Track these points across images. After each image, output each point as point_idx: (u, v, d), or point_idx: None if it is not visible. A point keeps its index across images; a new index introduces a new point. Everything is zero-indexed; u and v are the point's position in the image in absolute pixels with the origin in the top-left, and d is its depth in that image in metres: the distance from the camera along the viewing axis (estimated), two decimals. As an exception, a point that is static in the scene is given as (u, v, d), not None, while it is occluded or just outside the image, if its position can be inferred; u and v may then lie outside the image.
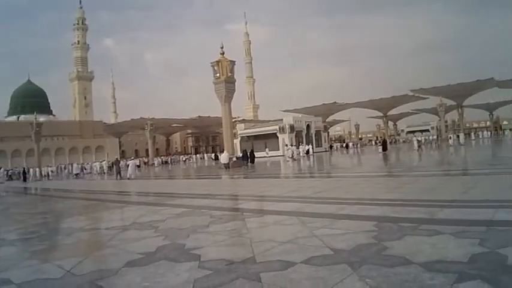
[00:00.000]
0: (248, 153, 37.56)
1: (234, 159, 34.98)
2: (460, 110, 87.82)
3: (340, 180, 16.60)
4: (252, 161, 41.30)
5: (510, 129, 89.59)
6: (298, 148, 48.64)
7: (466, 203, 8.50)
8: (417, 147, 39.70)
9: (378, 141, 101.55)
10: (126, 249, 6.38)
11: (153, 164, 65.84)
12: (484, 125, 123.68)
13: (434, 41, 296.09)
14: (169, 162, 73.59)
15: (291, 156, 39.86)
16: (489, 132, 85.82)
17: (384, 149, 41.75)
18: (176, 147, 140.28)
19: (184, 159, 76.17)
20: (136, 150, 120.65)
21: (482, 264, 4.29)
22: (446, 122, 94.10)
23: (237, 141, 59.10)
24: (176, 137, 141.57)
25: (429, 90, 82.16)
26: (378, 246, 5.36)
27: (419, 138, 49.09)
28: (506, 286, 3.62)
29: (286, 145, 50.22)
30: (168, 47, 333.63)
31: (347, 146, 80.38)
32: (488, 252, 4.72)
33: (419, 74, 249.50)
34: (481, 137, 75.55)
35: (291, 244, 5.81)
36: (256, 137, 65.46)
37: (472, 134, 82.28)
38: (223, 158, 33.78)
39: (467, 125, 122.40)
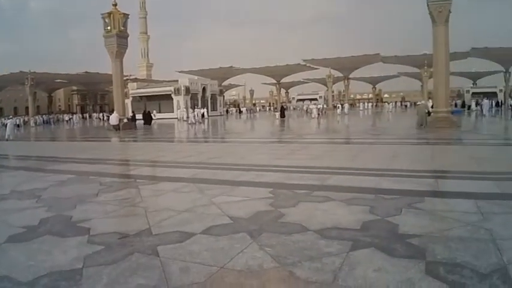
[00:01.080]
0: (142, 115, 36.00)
1: (125, 120, 33.28)
2: (346, 81, 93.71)
3: (236, 146, 16.78)
4: (149, 123, 40.34)
5: (388, 102, 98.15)
6: (193, 111, 48.06)
7: (354, 170, 9.11)
8: (317, 115, 41.46)
9: (271, 108, 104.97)
10: (6, 222, 5.69)
11: (28, 122, 59.40)
12: (366, 97, 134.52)
13: (328, 14, 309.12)
14: (50, 122, 66.74)
15: (190, 119, 39.02)
16: (370, 104, 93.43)
17: (282, 115, 43.08)
18: (60, 105, 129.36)
19: (67, 119, 69.49)
20: (15, 108, 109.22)
21: (374, 232, 4.58)
22: (333, 92, 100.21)
23: (128, 101, 56.30)
24: (60, 94, 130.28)
25: (320, 61, 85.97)
26: (275, 213, 5.48)
27: (319, 106, 50.75)
28: (400, 255, 3.86)
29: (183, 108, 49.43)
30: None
31: (240, 111, 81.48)
32: (379, 220, 5.06)
33: (312, 44, 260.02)
34: (365, 108, 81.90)
35: (189, 213, 5.68)
36: (150, 98, 63.03)
37: (357, 104, 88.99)
38: (113, 119, 31.84)
39: (352, 96, 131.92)
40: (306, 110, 55.23)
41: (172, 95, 59.72)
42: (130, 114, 39.67)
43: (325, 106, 65.50)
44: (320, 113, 42.93)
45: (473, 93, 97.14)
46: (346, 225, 4.87)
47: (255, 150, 14.45)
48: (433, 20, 21.72)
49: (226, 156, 13.01)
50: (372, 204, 5.82)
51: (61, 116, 76.20)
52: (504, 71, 76.64)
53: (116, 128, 30.88)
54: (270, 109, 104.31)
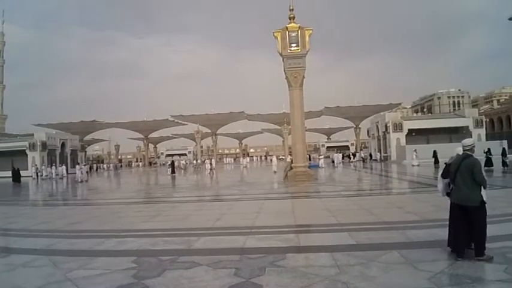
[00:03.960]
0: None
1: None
2: (214, 137, 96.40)
3: (99, 208, 15.70)
4: (18, 180, 38.23)
5: (252, 156, 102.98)
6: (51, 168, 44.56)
7: (220, 230, 9.18)
8: (209, 170, 40.66)
9: (138, 162, 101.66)
10: None
11: None
12: (234, 151, 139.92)
13: (195, 72, 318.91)
14: None
15: (78, 175, 36.12)
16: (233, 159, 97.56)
17: (173, 171, 42.12)
18: None
19: None
20: None
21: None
22: (202, 147, 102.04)
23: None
24: None
25: (188, 117, 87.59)
26: (138, 286, 5.22)
27: (211, 161, 49.19)
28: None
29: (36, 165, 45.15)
30: None
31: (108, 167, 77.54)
32: (243, 283, 5.13)
33: (181, 100, 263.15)
34: (232, 162, 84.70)
35: (39, 294, 5.07)
36: (1, 154, 56.22)
37: (225, 159, 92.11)
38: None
39: (220, 150, 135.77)
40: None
41: (27, 151, 54.26)
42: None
43: (198, 161, 65.95)
44: (213, 169, 42.04)
45: (328, 147, 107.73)
46: (212, 292, 4.84)
47: (116, 214, 13.67)
48: (289, 84, 23.89)
49: (85, 221, 12.05)
50: (237, 265, 5.91)
51: None
52: (355, 126, 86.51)
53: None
54: (138, 165, 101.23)
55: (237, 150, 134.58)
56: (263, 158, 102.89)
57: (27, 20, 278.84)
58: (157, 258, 6.62)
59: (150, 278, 5.52)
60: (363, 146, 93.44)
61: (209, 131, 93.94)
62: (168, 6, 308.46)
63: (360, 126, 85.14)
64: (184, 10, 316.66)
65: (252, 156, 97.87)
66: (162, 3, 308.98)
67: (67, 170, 50.21)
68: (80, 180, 35.58)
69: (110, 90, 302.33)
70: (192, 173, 46.73)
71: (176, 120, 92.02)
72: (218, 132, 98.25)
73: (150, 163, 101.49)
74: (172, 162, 45.30)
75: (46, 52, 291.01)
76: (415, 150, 39.05)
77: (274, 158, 43.64)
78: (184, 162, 64.07)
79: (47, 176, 44.41)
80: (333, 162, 49.15)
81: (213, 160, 47.69)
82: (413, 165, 36.09)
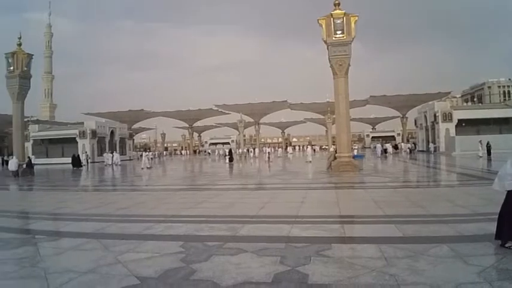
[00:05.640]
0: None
1: (24, 166, 30.69)
2: (257, 126, 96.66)
3: (144, 195, 16.18)
4: (78, 165, 40.89)
5: (294, 146, 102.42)
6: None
7: (264, 218, 9.22)
8: (267, 158, 42.01)
9: (182, 151, 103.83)
10: None
11: None
12: (276, 141, 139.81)
13: (235, 62, 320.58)
14: None
15: (144, 163, 36.92)
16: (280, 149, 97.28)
17: (230, 159, 42.37)
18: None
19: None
20: None
21: (285, 284, 4.62)
22: (244, 136, 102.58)
23: (28, 145, 52.32)
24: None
25: (231, 106, 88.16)
26: (186, 269, 5.33)
27: (268, 149, 50.72)
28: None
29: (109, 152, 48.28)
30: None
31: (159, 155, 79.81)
32: (289, 271, 5.13)
33: (223, 90, 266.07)
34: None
35: (93, 274, 5.29)
36: (52, 141, 59.16)
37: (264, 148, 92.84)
38: (12, 164, 29.27)
39: (263, 140, 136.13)
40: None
41: (77, 139, 56.64)
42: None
43: (240, 151, 66.70)
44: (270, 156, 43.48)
45: (372, 137, 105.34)
46: (258, 278, 4.87)
47: (164, 199, 14.03)
48: (334, 72, 23.51)
49: (133, 206, 12.46)
50: (282, 254, 5.91)
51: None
52: (401, 116, 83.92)
53: (15, 174, 28.39)
54: (181, 152, 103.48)
55: (280, 140, 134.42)
56: (305, 147, 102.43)
57: (74, 12, 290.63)
58: (203, 243, 6.74)
59: (197, 262, 5.63)
60: (409, 136, 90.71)
61: (252, 120, 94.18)
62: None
63: (406, 115, 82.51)
64: (224, 1, 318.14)
65: (295, 146, 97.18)
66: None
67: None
68: (148, 166, 36.48)
69: (154, 80, 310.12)
70: (245, 161, 47.22)
71: (220, 110, 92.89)
72: (261, 121, 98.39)
73: (195, 151, 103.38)
74: (230, 151, 45.99)
75: (92, 43, 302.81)
76: (480, 141, 36.84)
77: (309, 148, 44.65)
78: (227, 150, 64.98)
79: (108, 162, 45.66)
80: (380, 151, 48.22)
81: (269, 149, 48.67)
82: (480, 157, 33.98)
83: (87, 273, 5.34)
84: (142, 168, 35.29)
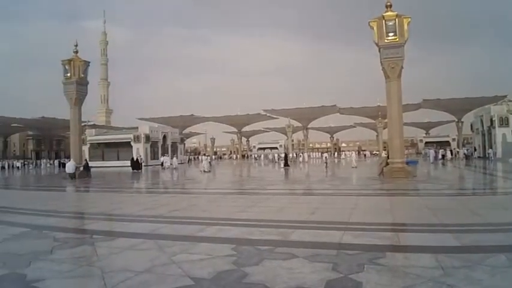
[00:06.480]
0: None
1: (81, 168, 32.22)
2: (305, 131, 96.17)
3: (196, 197, 16.50)
4: (138, 168, 42.66)
5: (345, 152, 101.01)
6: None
7: (315, 224, 9.11)
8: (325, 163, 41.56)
9: (231, 155, 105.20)
10: None
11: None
12: (325, 146, 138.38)
13: (285, 66, 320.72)
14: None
15: (204, 167, 37.37)
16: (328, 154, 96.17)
17: (286, 164, 41.65)
18: (14, 151, 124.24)
19: (19, 165, 66.59)
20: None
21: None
22: (293, 141, 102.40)
23: (85, 148, 54.96)
24: (15, 139, 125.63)
25: (279, 111, 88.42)
26: (239, 272, 5.35)
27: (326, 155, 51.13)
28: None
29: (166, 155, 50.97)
30: (17, 38, 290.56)
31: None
32: (342, 278, 5.03)
33: (271, 94, 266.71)
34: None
35: (149, 274, 5.43)
36: (108, 145, 61.83)
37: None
38: (69, 167, 30.81)
39: (311, 145, 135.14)
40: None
41: (132, 143, 58.84)
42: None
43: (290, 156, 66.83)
44: (327, 161, 43.35)
45: (426, 142, 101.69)
46: (310, 284, 4.82)
47: (214, 202, 14.23)
48: (386, 75, 22.94)
49: (185, 208, 12.73)
50: (334, 260, 5.81)
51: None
52: (456, 120, 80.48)
53: (72, 176, 29.86)
54: (231, 157, 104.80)
55: (328, 145, 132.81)
56: (355, 153, 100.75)
57: (127, 20, 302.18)
58: (255, 247, 6.75)
59: (249, 265, 5.64)
60: (465, 141, 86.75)
61: (300, 124, 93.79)
62: (255, 2, 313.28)
63: (462, 120, 78.97)
64: (271, 5, 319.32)
65: (343, 151, 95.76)
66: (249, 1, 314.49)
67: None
68: (206, 170, 36.61)
69: (202, 85, 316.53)
70: (298, 165, 47.17)
71: (268, 114, 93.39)
72: (309, 126, 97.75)
73: (243, 156, 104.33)
74: (285, 155, 46.08)
75: (145, 50, 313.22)
76: None
77: (353, 154, 45.33)
78: (277, 155, 65.42)
79: (167, 165, 46.46)
80: (433, 157, 46.60)
81: (326, 154, 49.03)
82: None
83: (143, 272, 5.49)
84: (201, 171, 36.00)
